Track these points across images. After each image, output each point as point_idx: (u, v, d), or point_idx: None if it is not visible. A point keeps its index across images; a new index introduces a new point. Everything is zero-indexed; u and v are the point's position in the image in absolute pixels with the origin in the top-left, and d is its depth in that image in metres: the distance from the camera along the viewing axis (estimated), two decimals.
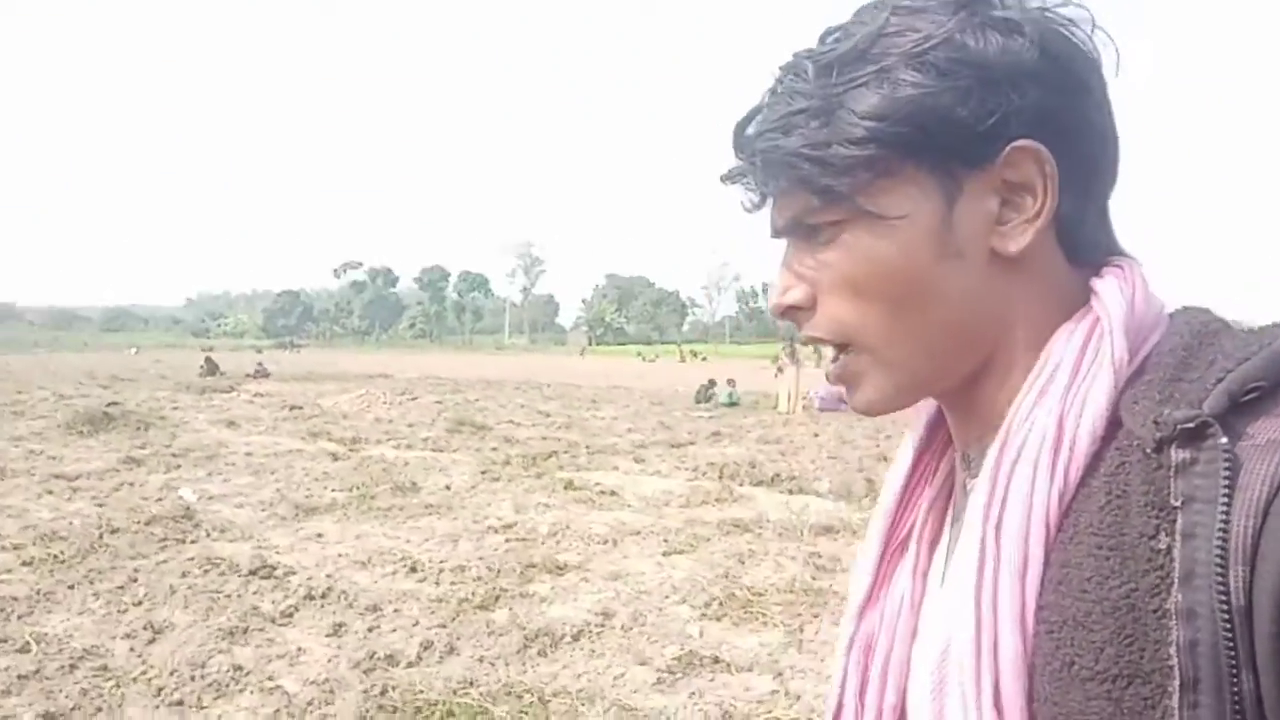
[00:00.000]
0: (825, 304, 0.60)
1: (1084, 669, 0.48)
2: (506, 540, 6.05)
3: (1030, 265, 0.57)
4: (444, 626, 4.25)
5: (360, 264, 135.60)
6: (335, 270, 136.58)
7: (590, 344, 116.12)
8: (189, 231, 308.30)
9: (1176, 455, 0.47)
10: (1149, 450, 0.49)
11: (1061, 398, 0.54)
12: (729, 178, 0.63)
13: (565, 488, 7.99)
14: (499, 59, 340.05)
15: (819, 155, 0.57)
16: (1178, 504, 0.47)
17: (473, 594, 4.72)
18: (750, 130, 0.61)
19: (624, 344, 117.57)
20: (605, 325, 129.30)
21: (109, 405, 13.16)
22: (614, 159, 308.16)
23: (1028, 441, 0.54)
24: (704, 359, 62.16)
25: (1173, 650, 0.46)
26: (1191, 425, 0.47)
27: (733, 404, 17.23)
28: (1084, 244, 0.59)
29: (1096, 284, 0.57)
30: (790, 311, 0.62)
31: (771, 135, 0.59)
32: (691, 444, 11.23)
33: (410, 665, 3.81)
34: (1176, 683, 0.45)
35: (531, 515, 6.90)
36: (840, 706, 0.67)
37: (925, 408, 0.70)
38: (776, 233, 0.63)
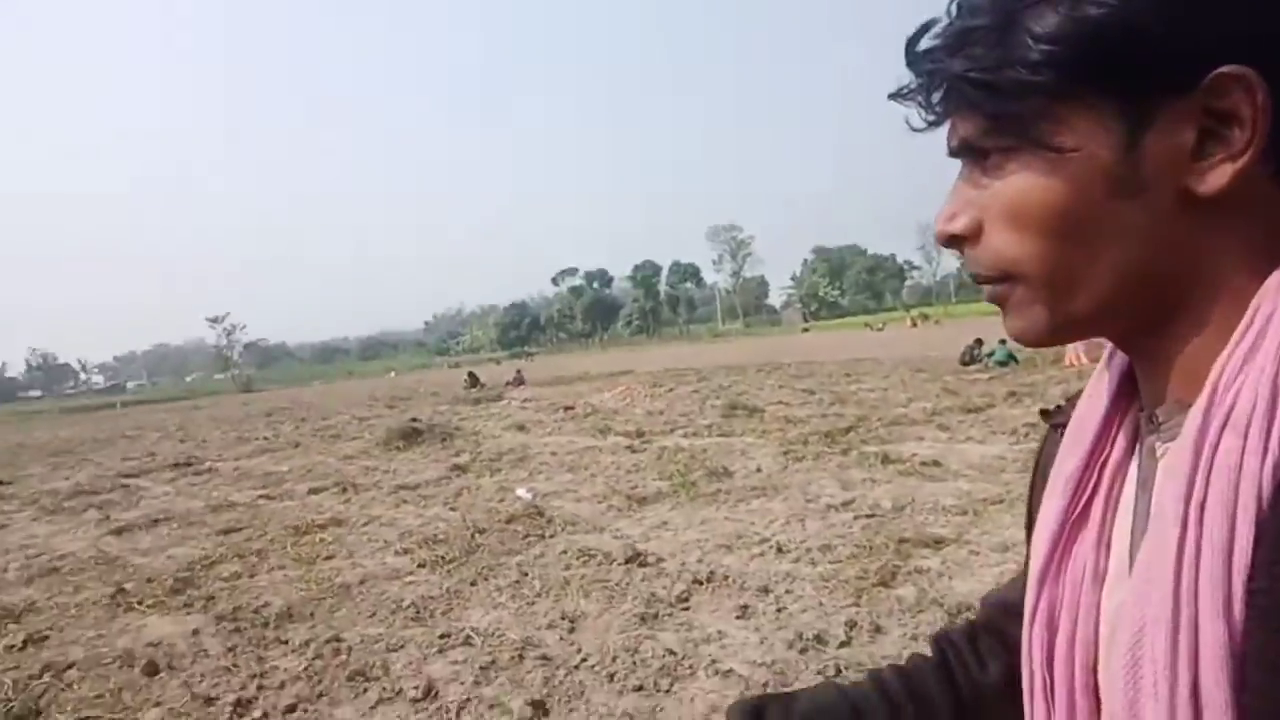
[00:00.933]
0: (989, 235, 0.56)
1: None
2: (855, 517, 5.88)
3: (1234, 206, 0.50)
4: (855, 605, 4.13)
5: (576, 269, 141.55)
6: (554, 278, 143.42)
7: (805, 320, 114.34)
8: (420, 259, 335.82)
9: None
10: None
11: (1276, 356, 0.47)
12: (898, 95, 0.58)
13: (883, 462, 7.71)
14: (676, 44, 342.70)
15: (988, 80, 0.52)
16: None
17: (865, 571, 4.57)
18: (921, 46, 0.56)
19: (840, 317, 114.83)
20: (819, 300, 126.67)
21: (412, 421, 14.38)
22: (803, 129, 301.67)
23: (1236, 406, 0.48)
24: (936, 321, 59.30)
25: None
26: None
27: (1008, 361, 16.06)
28: None
29: None
30: (954, 240, 0.58)
31: (940, 54, 0.54)
32: (990, 406, 10.55)
33: (843, 645, 3.71)
34: None
35: (863, 491, 6.69)
36: (1031, 677, 0.64)
37: (1115, 361, 0.64)
38: (951, 152, 0.58)
